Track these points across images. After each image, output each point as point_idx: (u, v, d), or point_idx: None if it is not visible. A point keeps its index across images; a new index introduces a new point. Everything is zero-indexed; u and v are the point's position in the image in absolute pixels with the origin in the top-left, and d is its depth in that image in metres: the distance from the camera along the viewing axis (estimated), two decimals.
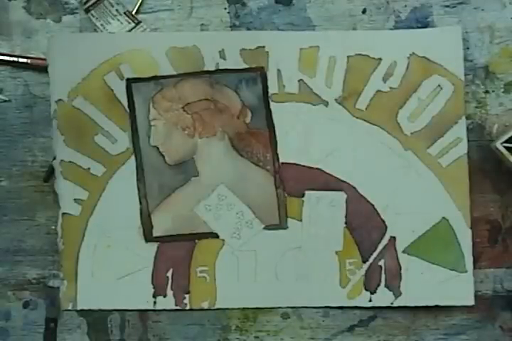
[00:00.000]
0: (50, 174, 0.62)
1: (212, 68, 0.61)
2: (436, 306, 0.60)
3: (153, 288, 0.61)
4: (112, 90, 0.61)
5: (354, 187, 0.60)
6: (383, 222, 0.60)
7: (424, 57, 0.60)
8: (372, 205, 0.60)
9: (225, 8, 0.62)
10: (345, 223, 0.60)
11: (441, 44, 0.60)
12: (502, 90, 0.61)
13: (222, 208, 0.61)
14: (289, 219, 0.60)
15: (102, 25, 0.61)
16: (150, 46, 0.61)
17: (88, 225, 0.61)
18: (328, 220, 0.60)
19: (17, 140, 0.62)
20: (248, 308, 0.61)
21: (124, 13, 0.61)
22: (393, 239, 0.60)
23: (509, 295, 0.61)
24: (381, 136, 0.60)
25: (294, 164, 0.61)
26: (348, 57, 0.60)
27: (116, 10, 0.61)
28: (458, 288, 0.60)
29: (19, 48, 0.62)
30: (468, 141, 0.60)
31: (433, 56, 0.60)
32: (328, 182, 0.60)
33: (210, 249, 0.61)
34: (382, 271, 0.60)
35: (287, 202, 0.61)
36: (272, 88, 0.61)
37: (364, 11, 0.62)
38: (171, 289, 0.61)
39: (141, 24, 0.61)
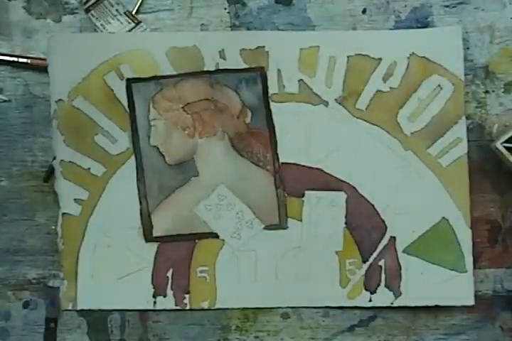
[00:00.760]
0: (50, 174, 0.62)
1: (212, 68, 0.61)
2: (436, 306, 0.60)
3: (153, 288, 0.61)
4: (112, 90, 0.61)
5: (354, 187, 0.60)
6: (383, 221, 0.60)
7: (424, 57, 0.60)
8: (372, 205, 0.60)
9: (225, 8, 0.62)
10: (345, 223, 0.60)
11: (441, 44, 0.60)
12: (502, 90, 0.61)
13: (222, 208, 0.61)
14: (289, 219, 0.60)
15: (102, 25, 0.61)
16: (150, 46, 0.61)
17: (88, 225, 0.61)
18: (328, 220, 0.60)
19: (17, 140, 0.62)
20: (248, 308, 0.61)
21: (124, 13, 0.61)
22: (393, 239, 0.60)
23: (509, 295, 0.61)
24: (381, 136, 0.60)
25: (294, 164, 0.61)
26: (348, 57, 0.60)
27: (116, 10, 0.61)
28: (458, 288, 0.60)
29: (19, 48, 0.62)
30: (468, 141, 0.60)
31: (433, 56, 0.60)
32: (328, 182, 0.60)
33: (210, 249, 0.61)
34: (382, 271, 0.60)
35: (287, 202, 0.60)
36: (272, 88, 0.61)
37: (364, 11, 0.62)
38: (171, 289, 0.61)
39: (141, 24, 0.61)
